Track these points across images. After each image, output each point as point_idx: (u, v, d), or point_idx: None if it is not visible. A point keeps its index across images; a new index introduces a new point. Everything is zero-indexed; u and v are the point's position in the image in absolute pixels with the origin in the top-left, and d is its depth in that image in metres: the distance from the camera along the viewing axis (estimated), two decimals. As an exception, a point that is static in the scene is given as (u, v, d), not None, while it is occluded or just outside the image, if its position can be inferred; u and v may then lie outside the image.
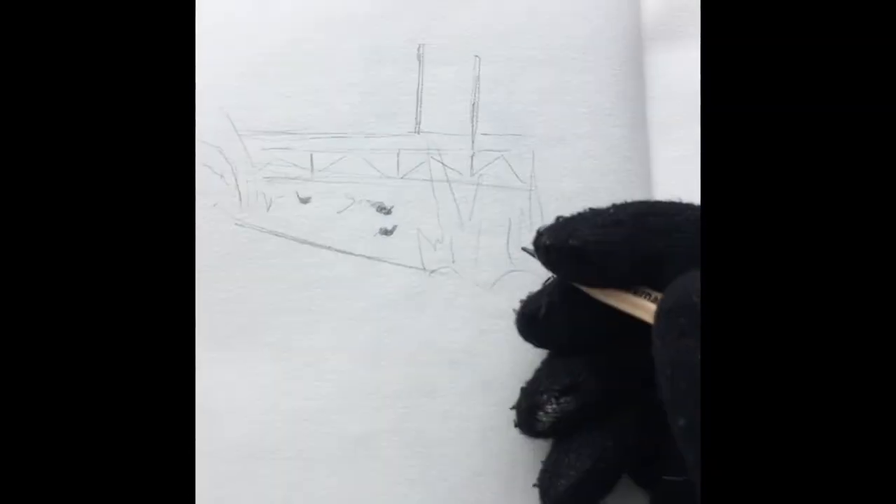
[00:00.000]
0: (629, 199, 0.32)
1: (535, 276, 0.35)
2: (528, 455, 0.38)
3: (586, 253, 0.30)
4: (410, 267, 0.40)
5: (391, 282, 0.40)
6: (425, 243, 0.40)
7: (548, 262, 0.31)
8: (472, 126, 0.41)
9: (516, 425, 0.34)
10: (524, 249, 0.35)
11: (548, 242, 0.31)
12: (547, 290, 0.33)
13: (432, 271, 0.40)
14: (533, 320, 0.33)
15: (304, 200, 0.41)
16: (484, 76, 0.41)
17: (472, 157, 0.41)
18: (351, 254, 0.40)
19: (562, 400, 0.33)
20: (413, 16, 0.42)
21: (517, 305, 0.34)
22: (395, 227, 0.40)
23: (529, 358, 0.36)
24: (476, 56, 0.42)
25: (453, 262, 0.40)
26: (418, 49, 0.42)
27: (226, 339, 0.40)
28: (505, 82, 0.41)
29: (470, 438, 0.38)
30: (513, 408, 0.35)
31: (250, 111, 0.41)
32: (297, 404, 0.39)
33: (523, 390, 0.34)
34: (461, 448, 0.38)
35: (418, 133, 0.41)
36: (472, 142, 0.41)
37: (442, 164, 0.41)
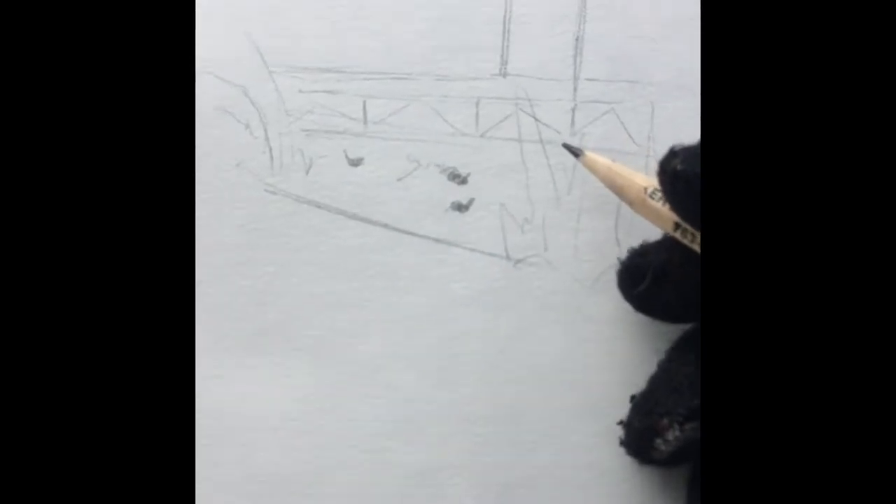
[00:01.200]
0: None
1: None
2: (642, 495, 0.30)
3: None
4: (490, 254, 0.31)
5: (465, 273, 0.31)
6: (510, 223, 0.31)
7: (672, 194, 0.26)
8: (575, 68, 0.31)
9: (622, 444, 0.29)
10: (567, 146, 0.30)
11: (680, 168, 0.25)
12: (655, 248, 0.28)
13: (518, 261, 0.31)
14: (635, 285, 0.28)
15: (355, 162, 0.32)
16: (591, 1, 0.31)
17: (573, 109, 0.31)
18: (414, 234, 0.32)
19: (687, 426, 0.27)
20: (500, -85, 0.31)
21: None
22: (471, 201, 0.31)
23: (643, 372, 0.29)
24: (582, -27, 0.31)
25: (546, 249, 0.31)
26: (506, -39, 0.31)
27: (252, 339, 0.32)
28: (618, 10, 0.31)
29: (563, 477, 0.31)
30: (620, 423, 0.29)
31: (285, 40, 0.32)
32: (342, 426, 0.31)
33: (636, 406, 0.28)
34: (551, 490, 0.31)
35: (504, 76, 0.31)
36: (574, 89, 0.31)
37: (534, 118, 0.31)
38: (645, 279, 0.28)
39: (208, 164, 0.32)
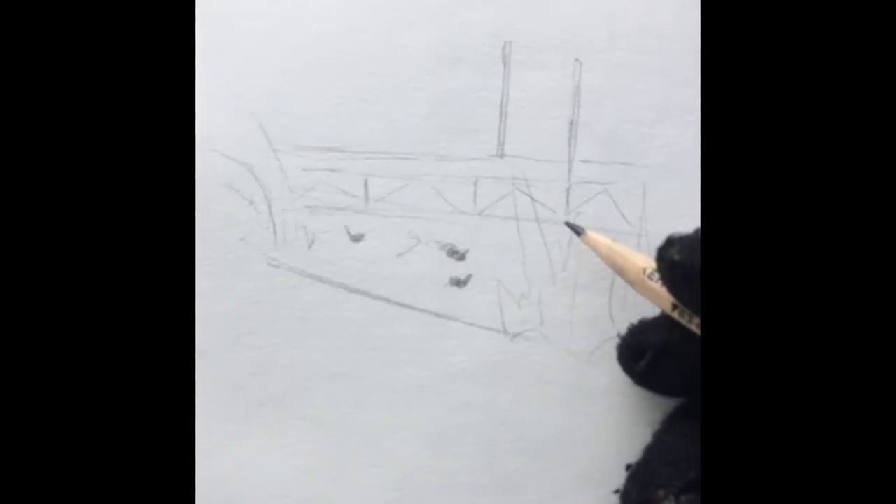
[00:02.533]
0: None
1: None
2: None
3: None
4: (488, 328, 0.32)
5: (464, 346, 0.32)
6: (507, 299, 0.32)
7: (670, 281, 0.27)
8: (570, 150, 0.33)
9: None
10: (569, 224, 0.31)
11: (678, 258, 0.26)
12: (654, 326, 0.29)
13: (515, 335, 0.32)
14: (636, 361, 0.29)
15: (356, 238, 0.33)
16: (585, 86, 0.33)
17: (567, 189, 0.33)
18: (414, 308, 0.32)
19: (683, 499, 0.27)
20: (498, 5, 0.33)
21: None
22: (469, 277, 0.32)
23: (638, 442, 0.30)
24: (576, 60, 0.33)
25: (542, 324, 0.32)
26: (504, 48, 0.33)
27: (254, 409, 0.32)
28: (611, 95, 0.33)
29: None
30: (617, 492, 0.29)
31: (290, 120, 0.33)
32: (343, 495, 0.32)
33: (633, 476, 0.29)
34: (548, 561, 0.31)
35: (501, 157, 0.33)
36: (569, 170, 0.33)
37: (530, 197, 0.32)
38: (646, 356, 0.29)
39: (213, 239, 0.33)
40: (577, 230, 0.31)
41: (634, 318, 0.31)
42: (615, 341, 0.31)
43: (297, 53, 0.33)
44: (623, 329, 0.30)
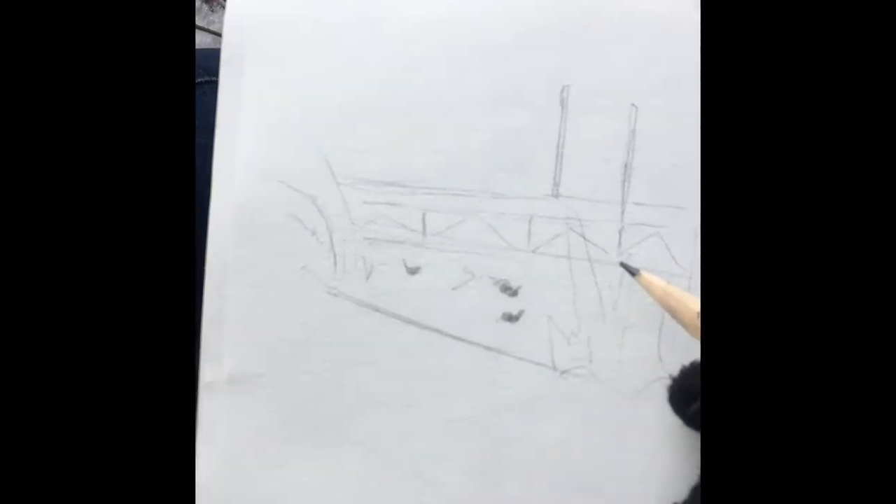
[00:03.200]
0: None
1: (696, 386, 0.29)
2: None
3: None
4: (538, 364, 0.33)
5: (513, 380, 0.33)
6: (557, 336, 0.33)
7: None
8: (623, 192, 0.33)
9: None
10: (624, 265, 0.32)
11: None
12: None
13: (564, 371, 0.33)
14: (688, 404, 0.30)
15: (413, 270, 0.34)
16: (640, 130, 0.33)
17: (620, 231, 0.33)
18: (466, 341, 0.33)
19: None
20: (557, 50, 0.34)
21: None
22: (521, 313, 0.33)
23: (684, 483, 0.31)
24: (632, 105, 0.34)
25: (591, 361, 0.33)
26: (562, 91, 0.34)
27: (309, 431, 0.33)
28: (666, 140, 0.33)
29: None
30: None
31: (353, 154, 0.34)
32: (391, 521, 0.32)
33: None
34: None
35: (556, 196, 0.33)
36: (622, 212, 0.33)
37: (583, 237, 0.33)
38: (698, 399, 0.29)
39: (276, 266, 0.34)
40: (632, 271, 0.31)
41: (683, 360, 0.31)
42: (664, 381, 0.32)
43: (363, 91, 0.34)
44: (674, 370, 0.31)
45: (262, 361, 0.34)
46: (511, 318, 0.34)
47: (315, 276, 0.34)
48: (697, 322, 0.29)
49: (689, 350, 0.32)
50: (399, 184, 0.34)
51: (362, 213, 0.34)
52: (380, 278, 0.34)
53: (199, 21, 0.80)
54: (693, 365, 0.30)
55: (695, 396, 0.29)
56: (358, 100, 0.34)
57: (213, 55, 0.40)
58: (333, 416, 0.33)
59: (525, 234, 0.34)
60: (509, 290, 0.34)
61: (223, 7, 0.75)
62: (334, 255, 0.34)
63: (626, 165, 0.34)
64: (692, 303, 0.30)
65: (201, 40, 0.81)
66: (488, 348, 0.33)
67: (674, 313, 0.30)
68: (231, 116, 0.35)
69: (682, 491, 0.30)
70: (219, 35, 0.75)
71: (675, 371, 0.31)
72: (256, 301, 0.34)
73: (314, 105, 0.34)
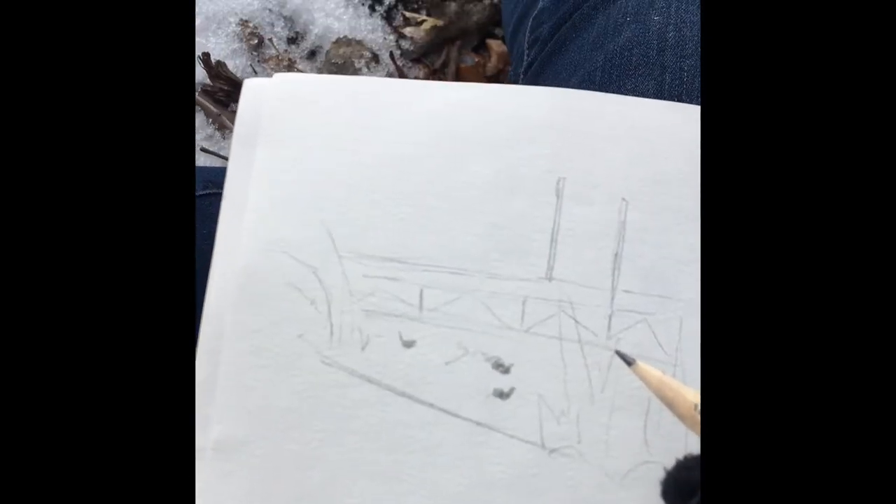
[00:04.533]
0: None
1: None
2: None
3: None
4: (527, 441, 0.33)
5: (502, 457, 0.33)
6: (547, 414, 0.34)
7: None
8: (613, 280, 0.35)
9: None
10: (619, 354, 0.33)
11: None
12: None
13: (553, 450, 0.33)
14: (683, 499, 0.29)
15: (408, 344, 0.34)
16: (630, 223, 0.36)
17: (609, 316, 0.35)
18: (457, 416, 0.34)
19: None
20: (554, 144, 0.36)
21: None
22: (512, 390, 0.34)
23: None
24: (623, 199, 0.36)
25: (579, 441, 0.33)
26: (558, 182, 0.36)
27: (295, 499, 0.33)
28: (654, 233, 0.35)
29: None
30: None
31: (356, 229, 0.35)
32: None
33: None
34: None
35: (550, 280, 0.35)
36: (612, 298, 0.35)
37: (574, 320, 0.34)
38: (695, 496, 0.28)
39: (272, 333, 0.34)
40: (628, 360, 0.32)
41: (669, 445, 0.32)
42: (650, 465, 0.32)
43: (369, 171, 0.36)
44: (664, 459, 0.31)
45: (251, 428, 0.34)
46: (502, 394, 0.34)
47: (311, 344, 0.35)
48: (695, 414, 0.30)
49: (673, 435, 0.33)
50: (399, 259, 0.35)
51: (361, 285, 0.35)
52: (375, 350, 0.35)
53: (212, 147, 0.83)
54: (687, 458, 0.30)
55: (691, 491, 0.29)
56: (362, 179, 0.36)
57: (223, 172, 0.42)
58: (319, 487, 0.33)
59: (519, 314, 0.35)
60: (501, 368, 0.34)
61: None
62: (331, 325, 0.35)
63: (616, 255, 0.36)
64: (689, 394, 0.30)
65: (210, 164, 0.83)
66: (479, 423, 0.34)
67: (670, 404, 0.30)
68: (239, 189, 0.36)
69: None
70: (227, 159, 0.78)
71: (668, 461, 0.31)
72: (250, 367, 0.34)
73: (320, 181, 0.36)
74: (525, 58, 0.59)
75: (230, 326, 0.34)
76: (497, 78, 0.95)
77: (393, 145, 0.36)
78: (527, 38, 0.60)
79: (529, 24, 0.60)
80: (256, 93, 0.37)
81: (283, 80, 0.37)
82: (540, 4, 0.60)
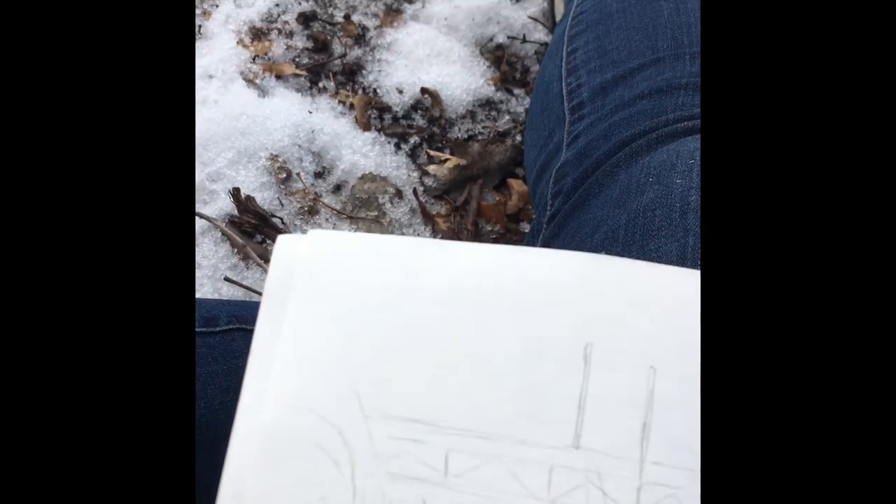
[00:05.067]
0: None
1: None
2: None
3: None
4: None
5: None
6: (573, 592, 0.32)
7: None
8: (642, 450, 0.34)
9: None
10: None
11: None
12: None
13: None
14: None
15: (432, 511, 0.34)
16: (659, 392, 0.35)
17: (638, 489, 0.34)
18: (480, 591, 0.32)
19: None
20: (582, 309, 0.37)
21: None
22: (537, 565, 0.33)
23: None
24: (651, 367, 0.36)
25: None
26: (585, 348, 0.36)
27: None
28: (682, 403, 0.35)
29: None
30: None
31: (382, 389, 0.35)
32: None
33: None
34: None
35: (577, 448, 0.34)
36: (640, 470, 0.34)
37: (602, 491, 0.34)
38: None
39: (295, 493, 0.34)
40: None
41: None
42: None
43: (398, 331, 0.36)
44: None
45: None
46: (527, 569, 0.33)
47: (332, 508, 0.34)
48: None
49: None
50: (425, 422, 0.35)
51: (387, 447, 0.35)
52: (398, 516, 0.34)
53: (233, 276, 0.84)
54: None
55: None
56: (391, 339, 0.36)
57: (246, 306, 0.43)
58: None
59: (545, 483, 0.34)
60: (527, 540, 0.34)
61: (259, 266, 0.79)
62: (354, 488, 0.34)
63: (644, 425, 0.35)
64: None
65: (233, 293, 0.85)
66: None
67: None
68: (268, 346, 0.36)
69: None
70: (250, 290, 0.79)
71: None
72: (269, 529, 0.33)
73: (349, 340, 0.36)
74: (548, 208, 0.60)
75: (251, 486, 0.34)
76: (517, 216, 0.97)
77: (421, 306, 0.37)
78: (550, 188, 0.61)
79: (553, 174, 0.62)
80: (290, 249, 0.38)
81: (315, 238, 0.38)
82: (563, 157, 0.62)
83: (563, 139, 0.65)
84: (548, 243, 0.58)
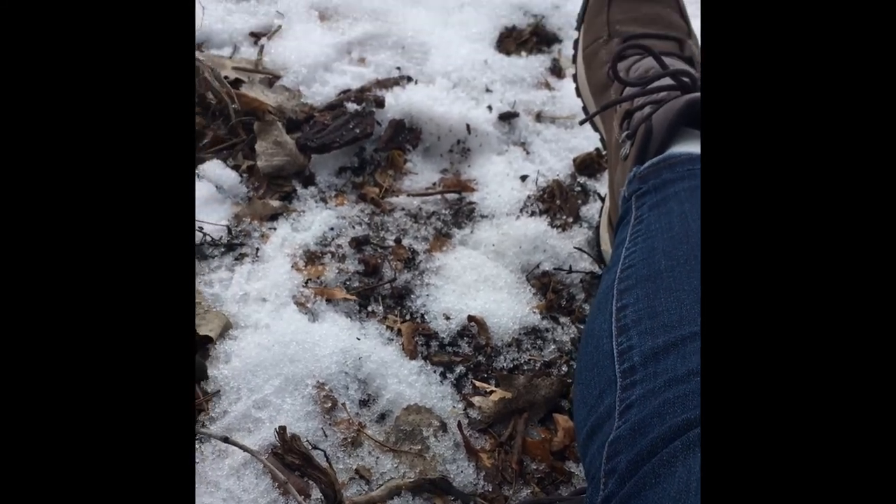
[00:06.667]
0: None
1: None
2: None
3: None
4: None
5: None
6: None
7: None
8: None
9: None
10: None
11: None
12: None
13: None
14: None
15: None
16: None
17: None
18: None
19: None
20: None
21: None
22: None
23: None
24: None
25: None
26: None
27: None
28: None
29: None
30: None
31: None
32: None
33: None
34: None
35: None
36: None
37: None
38: None
39: None
40: None
41: None
42: None
43: None
44: None
45: None
46: None
47: None
48: None
49: None
50: None
51: None
52: None
53: None
54: None
55: None
56: None
57: None
58: None
59: None
60: None
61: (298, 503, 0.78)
62: None
63: None
64: None
65: None
66: None
67: None
68: None
69: None
70: None
71: None
72: None
73: None
74: (601, 488, 0.59)
75: None
76: (563, 453, 0.95)
77: None
78: (603, 463, 0.60)
79: (606, 447, 0.61)
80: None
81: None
82: (616, 426, 0.62)
83: (615, 405, 0.65)
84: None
